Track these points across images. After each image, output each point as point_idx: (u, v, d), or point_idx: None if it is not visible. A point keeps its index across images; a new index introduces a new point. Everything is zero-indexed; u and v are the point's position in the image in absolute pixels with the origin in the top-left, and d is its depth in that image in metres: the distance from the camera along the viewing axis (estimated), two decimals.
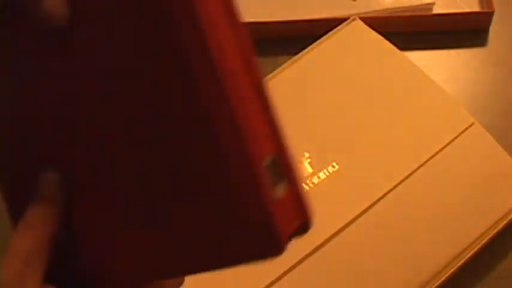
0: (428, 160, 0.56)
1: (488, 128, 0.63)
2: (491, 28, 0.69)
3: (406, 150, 0.57)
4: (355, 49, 0.63)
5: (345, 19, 0.66)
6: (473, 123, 0.58)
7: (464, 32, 0.69)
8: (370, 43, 0.63)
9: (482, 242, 0.53)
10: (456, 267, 0.52)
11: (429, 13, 0.69)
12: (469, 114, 0.59)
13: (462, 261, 0.52)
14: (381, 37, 0.64)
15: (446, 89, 0.66)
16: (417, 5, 0.69)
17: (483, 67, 0.67)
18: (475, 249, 0.52)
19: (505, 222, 0.53)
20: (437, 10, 0.70)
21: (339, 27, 0.65)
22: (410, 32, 0.69)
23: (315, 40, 0.65)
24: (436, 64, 0.68)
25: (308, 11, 0.69)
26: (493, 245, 0.56)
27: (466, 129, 0.58)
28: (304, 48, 0.65)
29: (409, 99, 0.60)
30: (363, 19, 0.67)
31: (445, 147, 0.57)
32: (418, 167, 0.56)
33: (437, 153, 0.56)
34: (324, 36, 0.65)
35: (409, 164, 0.56)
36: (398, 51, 0.63)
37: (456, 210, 0.54)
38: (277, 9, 0.70)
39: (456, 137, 0.57)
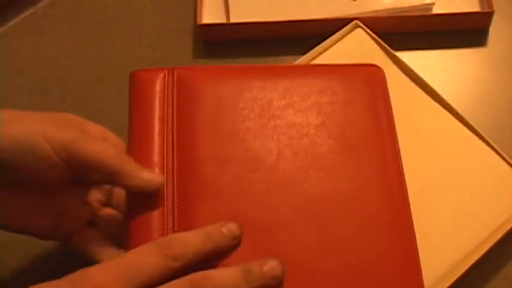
0: (431, 174, 0.57)
1: (488, 128, 0.63)
2: (491, 28, 0.69)
3: (410, 164, 0.57)
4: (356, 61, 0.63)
5: (345, 19, 0.66)
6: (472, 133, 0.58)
7: (464, 32, 0.69)
8: (370, 55, 0.63)
9: (485, 249, 0.53)
10: (460, 273, 0.52)
11: (429, 13, 0.69)
12: (472, 133, 0.59)
13: (466, 267, 0.52)
14: (378, 48, 0.64)
15: (447, 89, 0.66)
16: (417, 5, 0.69)
17: (483, 67, 0.67)
18: (480, 255, 0.52)
19: (507, 228, 0.54)
20: (437, 10, 0.70)
21: (340, 33, 0.65)
22: (410, 32, 0.69)
23: (315, 40, 0.65)
24: (436, 64, 0.68)
25: (308, 11, 0.69)
26: (501, 246, 0.56)
27: (467, 143, 0.58)
28: (304, 48, 0.65)
29: (409, 116, 0.60)
30: (363, 19, 0.67)
31: (447, 160, 0.57)
32: (423, 179, 0.56)
33: (439, 166, 0.57)
34: (325, 42, 0.64)
35: (415, 177, 0.56)
36: (395, 65, 0.63)
37: (460, 216, 0.55)
38: (277, 9, 0.70)
39: (457, 151, 0.58)
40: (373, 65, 0.58)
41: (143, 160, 0.51)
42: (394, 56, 0.63)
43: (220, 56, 0.70)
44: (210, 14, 0.72)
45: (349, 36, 0.65)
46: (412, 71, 0.62)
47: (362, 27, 0.65)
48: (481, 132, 0.58)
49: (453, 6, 0.70)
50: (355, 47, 0.64)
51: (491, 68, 0.67)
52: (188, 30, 0.73)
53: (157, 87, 0.53)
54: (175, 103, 0.53)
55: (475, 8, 0.70)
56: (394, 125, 0.55)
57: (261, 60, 0.69)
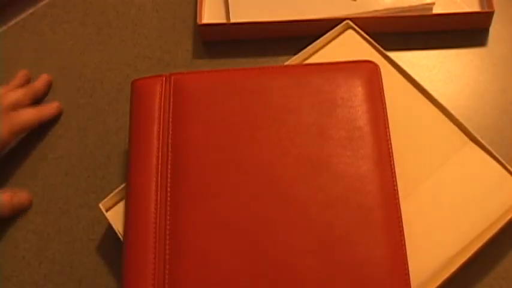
0: (421, 172, 0.57)
1: (487, 128, 0.63)
2: (491, 28, 0.69)
3: (408, 168, 0.57)
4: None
5: (346, 19, 0.66)
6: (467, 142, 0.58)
7: (464, 32, 0.69)
8: (363, 55, 0.63)
9: (481, 243, 0.53)
10: (456, 267, 0.52)
11: (429, 13, 0.69)
12: (462, 133, 0.59)
13: (462, 260, 0.52)
14: (371, 48, 0.64)
15: (447, 89, 0.66)
16: (417, 5, 0.69)
17: (483, 67, 0.67)
18: (475, 249, 0.53)
19: (502, 223, 0.54)
20: (437, 10, 0.70)
21: (331, 33, 0.65)
22: (410, 32, 0.69)
23: (315, 40, 0.65)
24: (436, 64, 0.68)
25: (308, 11, 0.69)
26: (492, 246, 0.56)
27: (461, 147, 0.58)
28: (303, 49, 0.65)
29: (403, 114, 0.60)
30: (362, 19, 0.67)
31: (438, 159, 0.57)
32: (414, 178, 0.56)
33: (430, 165, 0.57)
34: (316, 43, 0.64)
35: (406, 176, 0.56)
36: (389, 64, 0.63)
37: (450, 216, 0.55)
38: (278, 9, 0.70)
39: (453, 155, 0.57)
40: (369, 61, 0.59)
41: (142, 163, 0.55)
42: (387, 55, 0.63)
43: (220, 56, 0.70)
44: (210, 14, 0.72)
45: (341, 37, 0.65)
46: (403, 70, 0.62)
47: (353, 28, 0.65)
48: (471, 130, 0.58)
49: (453, 6, 0.70)
50: (347, 48, 0.64)
51: (491, 68, 0.67)
52: (188, 30, 0.73)
53: (156, 94, 0.58)
54: (171, 109, 0.57)
55: (475, 8, 0.70)
56: (388, 123, 0.55)
57: (261, 60, 0.69)
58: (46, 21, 0.75)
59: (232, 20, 0.70)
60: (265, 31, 0.69)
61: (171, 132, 0.56)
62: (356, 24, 0.66)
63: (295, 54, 0.68)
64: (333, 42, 0.65)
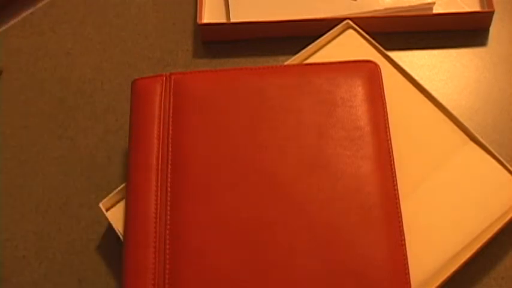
0: (421, 172, 0.57)
1: (487, 128, 0.63)
2: (491, 28, 0.69)
3: (408, 168, 0.57)
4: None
5: (346, 19, 0.66)
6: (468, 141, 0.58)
7: (464, 32, 0.69)
8: (363, 55, 0.63)
9: (481, 243, 0.53)
10: (456, 267, 0.52)
11: (429, 13, 0.69)
12: (462, 133, 0.59)
13: (462, 260, 0.52)
14: (371, 48, 0.64)
15: (447, 89, 0.66)
16: (417, 5, 0.69)
17: (483, 67, 0.67)
18: (475, 249, 0.53)
19: (502, 223, 0.54)
20: (437, 10, 0.70)
21: (332, 33, 0.65)
22: (410, 32, 0.69)
23: (315, 40, 0.65)
24: (436, 64, 0.68)
25: (308, 11, 0.69)
26: (492, 245, 0.56)
27: (462, 147, 0.58)
28: (303, 49, 0.65)
29: (403, 114, 0.60)
30: (362, 19, 0.67)
31: (437, 159, 0.57)
32: (413, 178, 0.56)
33: (429, 165, 0.57)
34: (316, 43, 0.64)
35: (406, 176, 0.56)
36: (389, 64, 0.63)
37: (449, 216, 0.55)
38: (278, 8, 0.70)
39: (453, 155, 0.57)
40: (369, 61, 0.59)
41: (142, 162, 0.55)
42: (387, 55, 0.63)
43: (220, 56, 0.70)
44: (210, 14, 0.72)
45: (341, 36, 0.65)
46: (404, 69, 0.62)
47: (354, 28, 0.65)
48: (472, 130, 0.58)
49: (453, 6, 0.70)
50: (347, 48, 0.64)
51: (491, 68, 0.67)
52: (188, 30, 0.73)
53: (156, 94, 0.58)
54: (171, 108, 0.57)
55: (475, 8, 0.70)
56: (388, 123, 0.55)
57: (261, 60, 0.69)
58: (46, 21, 0.75)
59: (232, 20, 0.70)
60: (265, 31, 0.69)
61: (171, 132, 0.56)
62: (356, 24, 0.66)
63: (295, 54, 0.68)
64: (333, 42, 0.65)
